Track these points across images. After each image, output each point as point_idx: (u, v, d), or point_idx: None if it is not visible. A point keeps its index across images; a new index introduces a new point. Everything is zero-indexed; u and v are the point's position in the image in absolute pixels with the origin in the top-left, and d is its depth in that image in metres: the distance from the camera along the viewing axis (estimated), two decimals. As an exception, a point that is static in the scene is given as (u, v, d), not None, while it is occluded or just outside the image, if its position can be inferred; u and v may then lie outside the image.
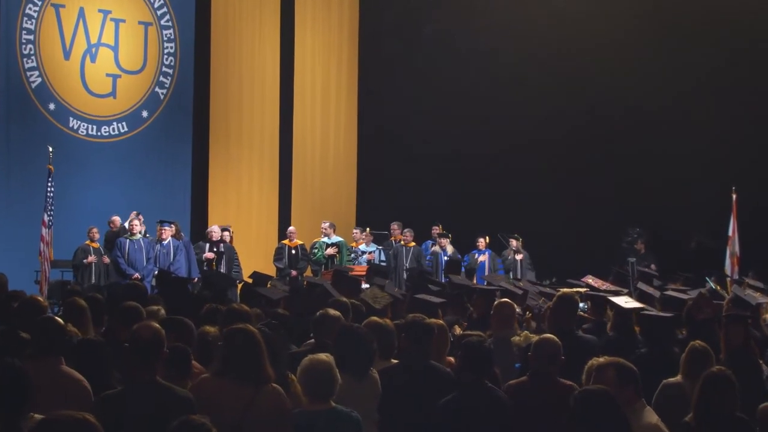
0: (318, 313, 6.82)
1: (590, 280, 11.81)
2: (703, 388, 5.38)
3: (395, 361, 6.60)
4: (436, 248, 17.43)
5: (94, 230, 15.74)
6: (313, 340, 6.95)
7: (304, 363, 5.24)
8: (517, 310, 8.86)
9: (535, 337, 6.70)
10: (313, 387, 5.20)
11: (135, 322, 6.64)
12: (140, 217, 15.96)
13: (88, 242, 15.61)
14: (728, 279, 14.59)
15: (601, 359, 5.62)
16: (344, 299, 8.02)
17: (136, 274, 15.31)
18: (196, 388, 5.19)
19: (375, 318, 7.02)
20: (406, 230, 17.51)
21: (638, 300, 9.25)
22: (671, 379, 6.37)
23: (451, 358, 6.87)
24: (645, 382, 5.62)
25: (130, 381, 5.03)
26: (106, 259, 15.64)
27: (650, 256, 16.83)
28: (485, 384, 5.76)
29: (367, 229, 18.13)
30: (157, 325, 5.16)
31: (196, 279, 15.39)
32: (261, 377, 5.14)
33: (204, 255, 16.18)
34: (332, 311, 6.81)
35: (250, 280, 12.41)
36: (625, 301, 8.42)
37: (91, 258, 15.42)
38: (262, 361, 5.16)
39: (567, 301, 7.61)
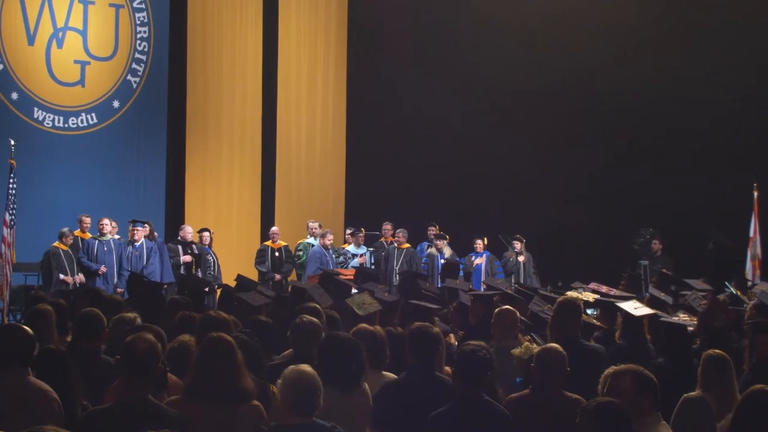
0: (294, 321, 6.77)
1: (595, 286, 11.80)
2: (746, 408, 4.94)
3: (386, 372, 6.56)
4: (433, 250, 17.41)
5: (66, 231, 15.62)
6: (290, 351, 6.91)
7: (287, 374, 5.18)
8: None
9: (536, 348, 6.66)
10: (295, 400, 5.14)
11: (95, 331, 6.69)
12: (113, 222, 15.91)
13: (56, 244, 15.49)
14: (749, 283, 14.54)
15: (618, 366, 5.57)
16: (314, 305, 8.02)
17: (102, 267, 15.23)
18: None
19: (364, 325, 6.98)
20: (398, 231, 17.48)
21: (649, 306, 9.23)
22: (692, 394, 6.31)
23: (448, 368, 6.85)
24: (662, 395, 5.55)
25: (119, 398, 4.99)
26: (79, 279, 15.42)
27: (665, 258, 16.78)
28: (482, 397, 5.70)
29: (362, 230, 18.06)
30: (153, 339, 5.11)
31: (167, 285, 15.32)
32: (239, 394, 5.09)
33: (181, 258, 16.14)
34: (309, 318, 6.77)
35: (233, 283, 12.37)
36: (635, 307, 8.39)
37: (68, 279, 15.21)
38: (238, 375, 5.11)
39: (569, 306, 7.57)
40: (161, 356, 5.02)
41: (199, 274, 16.02)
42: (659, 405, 5.37)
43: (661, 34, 18.72)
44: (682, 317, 8.71)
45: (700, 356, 6.60)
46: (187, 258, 16.19)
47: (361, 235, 17.94)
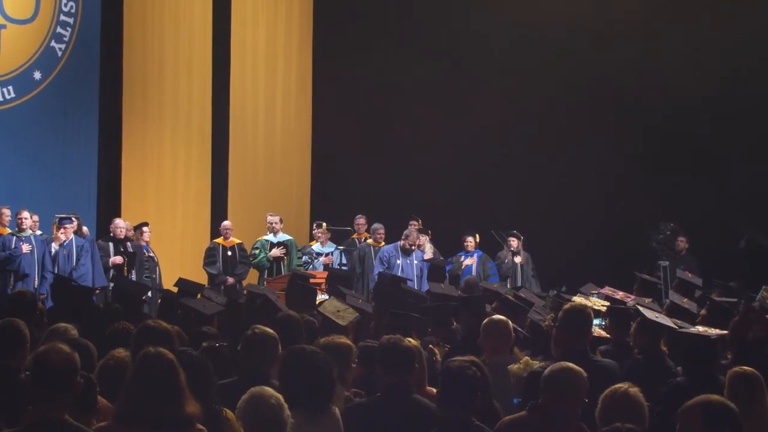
0: (245, 333, 6.76)
1: (609, 291, 11.84)
2: None
3: (353, 390, 6.56)
4: (416, 249, 17.41)
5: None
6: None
7: (246, 397, 5.21)
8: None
9: (537, 364, 6.65)
10: (256, 428, 5.14)
11: (14, 345, 6.63)
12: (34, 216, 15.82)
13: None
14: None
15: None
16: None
17: (26, 246, 15.12)
18: None
19: (336, 337, 6.97)
20: (375, 226, 17.46)
21: (668, 314, 9.25)
22: (717, 418, 6.32)
23: (432, 389, 6.85)
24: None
25: (32, 420, 4.92)
26: None
27: (689, 258, 16.83)
28: (472, 422, 5.71)
29: (323, 225, 18.04)
30: (68, 349, 5.06)
31: (99, 290, 15.25)
32: (179, 420, 5.06)
33: (110, 259, 16.04)
34: (264, 329, 6.75)
35: (174, 289, 12.35)
36: (656, 316, 8.41)
37: None
38: (179, 398, 5.09)
39: (577, 314, 7.60)
40: (79, 369, 4.97)
41: (133, 277, 15.93)
42: None
43: (692, 27, 18.83)
44: (701, 328, 8.71)
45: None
46: (118, 259, 16.09)
47: (321, 231, 17.87)
